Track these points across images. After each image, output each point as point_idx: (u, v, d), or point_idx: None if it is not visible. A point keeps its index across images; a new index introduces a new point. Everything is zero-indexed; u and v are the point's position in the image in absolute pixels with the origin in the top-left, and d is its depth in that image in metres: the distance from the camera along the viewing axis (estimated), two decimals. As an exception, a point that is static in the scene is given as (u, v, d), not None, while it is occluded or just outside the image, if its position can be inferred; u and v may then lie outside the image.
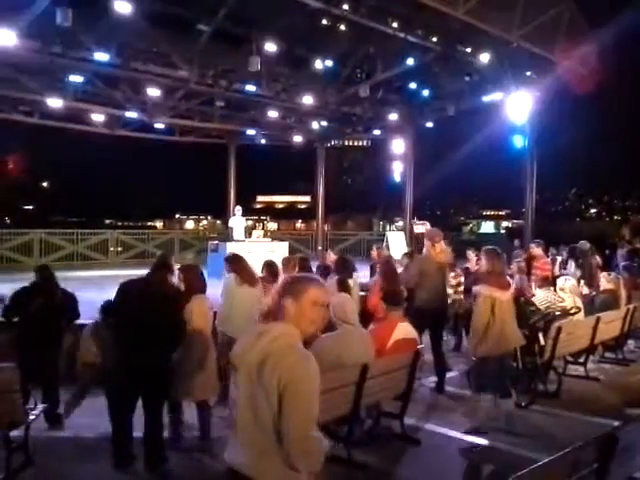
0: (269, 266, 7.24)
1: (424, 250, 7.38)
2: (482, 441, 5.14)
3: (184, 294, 5.06)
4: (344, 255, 9.38)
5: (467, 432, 5.33)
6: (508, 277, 5.72)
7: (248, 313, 5.89)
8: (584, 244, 10.86)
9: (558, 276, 9.03)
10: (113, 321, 4.78)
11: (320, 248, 21.09)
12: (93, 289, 9.68)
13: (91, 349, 6.08)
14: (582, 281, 8.74)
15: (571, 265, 9.98)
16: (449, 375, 7.02)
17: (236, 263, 6.55)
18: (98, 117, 17.36)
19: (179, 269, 5.40)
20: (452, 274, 8.67)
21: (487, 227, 71.81)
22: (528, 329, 6.27)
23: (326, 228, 28.17)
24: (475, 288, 5.55)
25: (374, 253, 10.22)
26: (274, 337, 2.29)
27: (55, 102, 14.92)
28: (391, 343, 5.20)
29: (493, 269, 5.45)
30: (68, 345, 6.26)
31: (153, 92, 14.65)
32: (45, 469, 4.72)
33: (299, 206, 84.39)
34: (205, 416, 5.21)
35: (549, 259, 10.33)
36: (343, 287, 6.59)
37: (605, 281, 8.26)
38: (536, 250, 9.50)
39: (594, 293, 8.40)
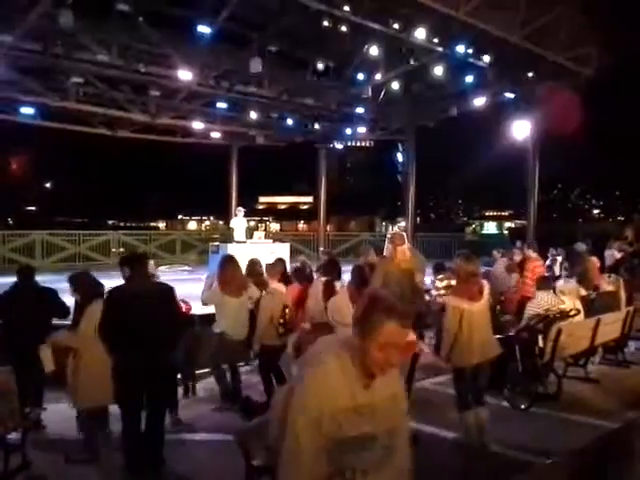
0: (253, 265, 7.40)
1: (385, 254, 7.36)
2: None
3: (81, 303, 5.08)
4: (334, 257, 9.36)
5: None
6: (484, 282, 5.33)
7: (236, 317, 6.54)
8: (580, 245, 10.86)
9: (558, 277, 9.02)
10: (114, 326, 4.64)
11: (322, 248, 21.09)
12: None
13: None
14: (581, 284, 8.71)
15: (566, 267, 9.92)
16: (445, 377, 6.97)
17: (225, 273, 6.63)
18: (100, 118, 17.41)
19: (68, 279, 5.44)
20: (440, 276, 8.54)
21: (490, 228, 71.94)
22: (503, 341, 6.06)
23: (328, 229, 28.19)
24: (444, 298, 5.30)
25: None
26: None
27: (57, 103, 14.97)
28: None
29: (464, 275, 5.12)
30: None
31: (155, 93, 14.68)
32: (42, 471, 4.72)
33: (301, 207, 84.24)
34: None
35: (549, 260, 10.33)
36: (328, 289, 6.57)
37: (605, 283, 8.24)
38: (528, 252, 9.49)
39: (594, 295, 8.38)
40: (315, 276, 7.53)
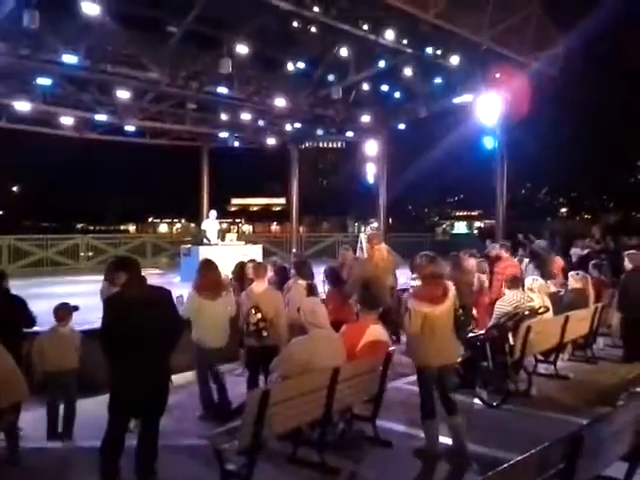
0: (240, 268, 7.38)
1: (363, 254, 7.40)
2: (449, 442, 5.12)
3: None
4: (303, 258, 9.36)
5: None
6: (448, 283, 5.18)
7: (214, 323, 6.50)
8: (541, 242, 11.05)
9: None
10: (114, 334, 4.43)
11: (294, 250, 21.06)
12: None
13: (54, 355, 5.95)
14: (549, 281, 8.83)
15: (529, 266, 10.03)
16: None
17: (200, 275, 6.62)
18: (67, 120, 17.09)
19: None
20: (414, 275, 8.51)
21: (460, 228, 72.67)
22: (465, 341, 6.04)
23: (301, 230, 28.18)
24: (407, 301, 5.15)
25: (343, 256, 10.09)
26: None
27: (23, 105, 14.69)
28: (361, 345, 5.19)
29: (425, 276, 5.05)
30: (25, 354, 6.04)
31: (123, 94, 14.46)
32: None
33: (274, 208, 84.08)
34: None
35: (516, 259, 10.45)
36: (311, 291, 6.62)
37: (573, 280, 8.37)
38: (499, 252, 9.53)
39: (562, 292, 8.50)
40: (291, 280, 7.52)
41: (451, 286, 5.16)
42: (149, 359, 4.37)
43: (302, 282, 7.11)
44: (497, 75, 14.90)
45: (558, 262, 10.44)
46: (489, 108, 14.92)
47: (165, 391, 4.61)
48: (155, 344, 4.40)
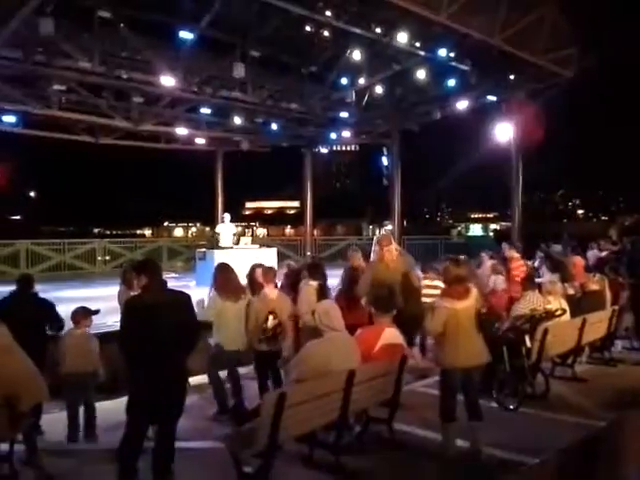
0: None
1: (373, 256, 7.35)
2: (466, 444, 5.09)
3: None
4: (317, 260, 9.37)
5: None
6: (471, 285, 5.18)
7: (236, 326, 6.48)
8: (556, 247, 10.99)
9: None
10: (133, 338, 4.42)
11: (309, 253, 21.10)
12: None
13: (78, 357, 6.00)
14: (567, 283, 8.76)
15: (544, 268, 10.00)
16: (434, 379, 6.95)
17: (220, 279, 6.61)
18: (83, 126, 17.29)
19: None
20: (425, 275, 8.51)
21: (476, 230, 72.34)
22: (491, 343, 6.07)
23: (315, 233, 28.18)
24: (434, 303, 5.19)
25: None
26: None
27: (39, 111, 14.86)
28: (377, 348, 5.18)
29: (450, 279, 5.08)
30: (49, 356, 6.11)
31: (138, 100, 14.62)
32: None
33: (288, 211, 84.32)
34: None
35: (537, 262, 10.40)
36: (322, 292, 6.62)
37: (590, 282, 8.30)
38: (509, 252, 9.59)
39: (580, 294, 8.42)
40: (303, 281, 7.51)
41: (474, 288, 5.18)
42: (167, 362, 4.37)
43: (313, 283, 7.10)
44: (511, 77, 14.86)
45: (579, 262, 10.37)
46: (503, 109, 14.87)
47: (182, 393, 4.62)
48: (173, 347, 4.41)
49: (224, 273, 6.76)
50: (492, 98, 15.94)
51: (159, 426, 4.62)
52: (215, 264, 7.42)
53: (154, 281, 4.56)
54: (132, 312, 4.46)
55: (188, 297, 4.73)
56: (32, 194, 70.04)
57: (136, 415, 4.45)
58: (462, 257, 9.17)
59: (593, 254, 12.57)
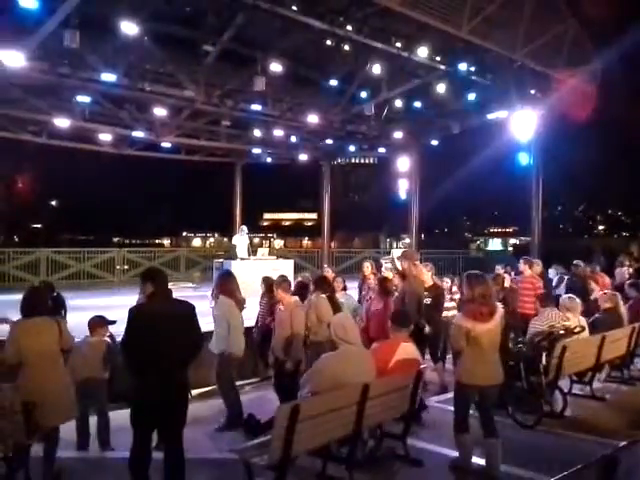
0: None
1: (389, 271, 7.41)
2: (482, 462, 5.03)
3: None
4: (323, 274, 9.47)
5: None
6: (496, 304, 5.13)
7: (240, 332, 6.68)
8: (579, 263, 10.83)
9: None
10: (133, 347, 4.47)
11: (325, 265, 21.08)
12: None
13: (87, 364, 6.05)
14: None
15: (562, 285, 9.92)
16: (449, 395, 6.92)
17: (225, 286, 6.69)
18: (105, 137, 17.57)
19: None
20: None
21: (495, 244, 71.79)
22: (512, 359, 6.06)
23: (332, 245, 28.19)
24: (455, 316, 5.21)
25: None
26: None
27: (63, 122, 15.13)
28: (393, 363, 5.17)
29: (473, 296, 4.93)
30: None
31: (160, 112, 14.81)
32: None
33: (306, 223, 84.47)
34: None
35: (555, 279, 10.29)
36: (334, 305, 6.67)
37: (603, 300, 8.19)
38: (523, 267, 9.55)
39: (597, 315, 8.25)
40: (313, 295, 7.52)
41: (499, 307, 5.10)
42: (167, 371, 4.37)
43: (323, 295, 7.13)
44: (532, 92, 14.78)
45: (602, 280, 10.23)
46: (524, 124, 14.75)
47: (183, 403, 4.59)
48: (174, 357, 4.41)
49: (231, 281, 6.85)
50: (513, 112, 15.85)
51: (164, 436, 4.62)
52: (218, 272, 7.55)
53: (159, 290, 4.59)
54: (136, 319, 4.46)
55: (192, 308, 4.73)
56: (53, 203, 70.97)
57: (139, 424, 4.46)
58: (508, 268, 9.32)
59: (620, 272, 12.22)
